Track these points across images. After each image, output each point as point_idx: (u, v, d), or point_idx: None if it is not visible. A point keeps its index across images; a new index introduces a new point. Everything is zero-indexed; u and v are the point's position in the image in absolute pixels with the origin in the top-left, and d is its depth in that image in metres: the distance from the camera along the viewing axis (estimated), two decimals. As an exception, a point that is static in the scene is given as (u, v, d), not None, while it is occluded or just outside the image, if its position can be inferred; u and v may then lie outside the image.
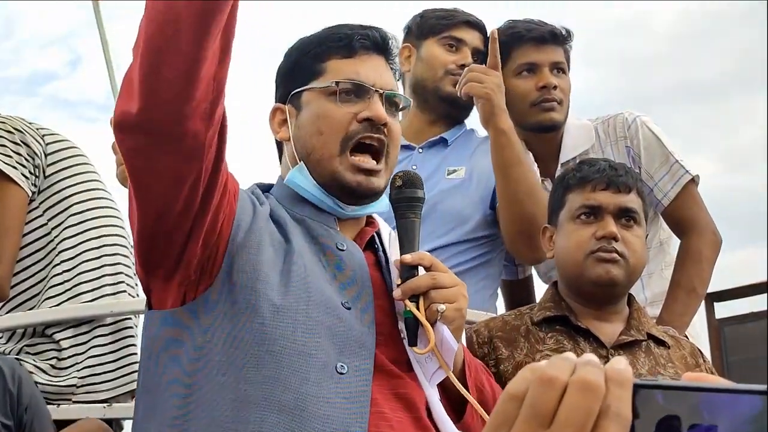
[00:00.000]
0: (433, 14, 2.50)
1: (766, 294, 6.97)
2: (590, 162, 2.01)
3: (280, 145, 1.64)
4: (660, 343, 1.94)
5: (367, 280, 1.45)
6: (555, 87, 2.44)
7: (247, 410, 1.27)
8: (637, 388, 0.59)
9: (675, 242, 2.54)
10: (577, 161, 2.40)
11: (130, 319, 2.23)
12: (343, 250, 1.48)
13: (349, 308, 1.40)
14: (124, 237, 2.31)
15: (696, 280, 2.39)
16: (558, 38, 2.49)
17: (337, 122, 1.51)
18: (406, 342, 1.42)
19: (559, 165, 2.51)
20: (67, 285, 2.16)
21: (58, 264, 2.17)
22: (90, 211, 2.24)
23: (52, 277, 2.16)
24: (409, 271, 1.42)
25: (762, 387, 0.61)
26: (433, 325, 1.38)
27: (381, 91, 1.53)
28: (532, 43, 2.46)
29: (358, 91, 1.52)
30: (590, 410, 0.57)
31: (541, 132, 2.49)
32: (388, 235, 1.60)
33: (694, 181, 2.48)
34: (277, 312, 1.34)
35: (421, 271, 1.42)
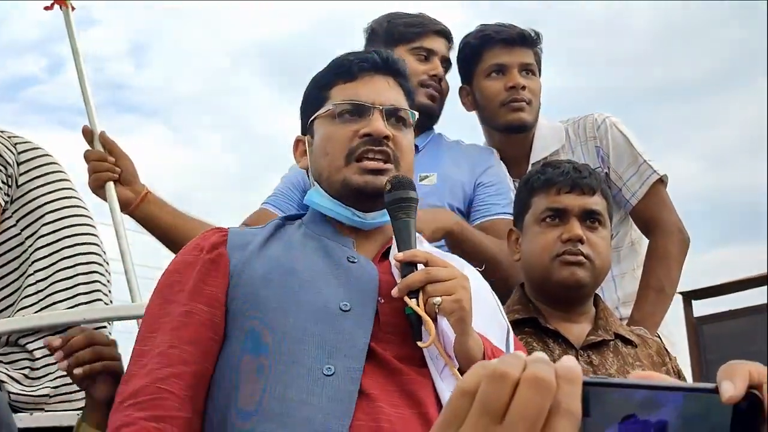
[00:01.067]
0: (401, 21, 2.51)
1: (745, 291, 7.03)
2: (554, 164, 2.03)
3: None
4: (627, 342, 1.96)
5: (372, 287, 1.48)
6: (524, 87, 2.48)
7: (244, 424, 1.34)
8: (586, 385, 0.60)
9: (647, 242, 2.57)
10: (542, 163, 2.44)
11: (105, 327, 2.23)
12: (353, 263, 1.52)
13: (347, 310, 1.44)
14: (98, 245, 2.31)
15: (665, 280, 2.41)
16: (527, 40, 2.53)
17: (339, 141, 1.59)
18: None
19: (530, 165, 2.54)
20: (41, 295, 2.15)
21: (32, 274, 2.16)
22: (63, 220, 2.24)
23: (26, 287, 2.15)
24: (407, 268, 1.44)
25: (710, 385, 0.63)
26: (434, 319, 1.40)
27: (380, 108, 1.59)
28: (502, 44, 2.51)
29: (357, 110, 1.60)
30: (542, 406, 0.58)
31: (511, 132, 2.54)
32: (422, 242, 1.64)
33: (662, 180, 2.52)
34: (266, 328, 1.42)
35: (420, 267, 1.44)
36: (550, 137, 2.58)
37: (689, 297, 6.80)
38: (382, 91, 1.63)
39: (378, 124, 1.57)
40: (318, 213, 1.64)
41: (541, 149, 2.56)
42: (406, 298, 1.41)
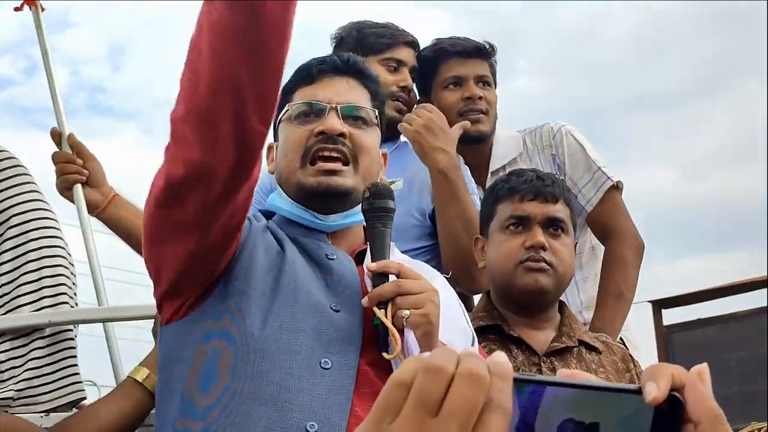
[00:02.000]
0: (371, 31, 2.53)
1: (713, 300, 7.12)
2: (518, 173, 2.06)
3: None
4: (591, 348, 1.98)
5: (357, 286, 1.49)
6: (480, 98, 2.54)
7: (235, 405, 1.35)
8: (516, 382, 0.61)
9: (608, 247, 2.60)
10: (507, 170, 2.47)
11: (70, 330, 2.22)
12: (332, 260, 1.54)
13: (338, 311, 1.46)
14: (64, 248, 2.29)
15: (623, 285, 2.45)
16: (482, 52, 2.59)
17: (296, 141, 1.60)
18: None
19: (489, 174, 2.60)
20: (6, 298, 2.13)
21: None
22: (29, 223, 2.22)
23: None
24: (379, 278, 1.45)
25: (634, 386, 0.64)
26: (401, 331, 1.40)
27: (335, 106, 1.60)
28: (457, 57, 2.57)
29: (312, 110, 1.61)
30: (477, 400, 0.58)
31: (469, 143, 2.56)
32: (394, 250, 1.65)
33: (617, 187, 2.56)
34: (265, 314, 1.43)
35: (393, 278, 1.45)
36: (507, 146, 2.63)
37: (659, 305, 6.87)
38: (341, 92, 1.64)
39: (332, 121, 1.58)
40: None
41: (499, 158, 2.61)
42: (375, 309, 1.42)
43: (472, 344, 1.62)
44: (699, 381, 0.65)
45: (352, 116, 1.62)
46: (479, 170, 2.61)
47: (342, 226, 1.62)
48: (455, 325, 1.60)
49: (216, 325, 1.44)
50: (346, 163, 1.58)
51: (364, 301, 1.44)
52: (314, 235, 1.59)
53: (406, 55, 2.52)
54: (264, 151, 1.73)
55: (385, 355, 1.41)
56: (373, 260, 1.48)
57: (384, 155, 1.76)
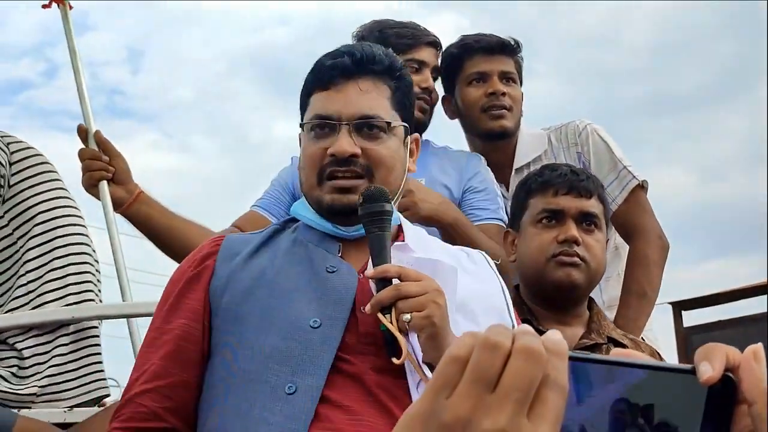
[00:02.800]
0: (392, 31, 2.49)
1: (733, 302, 7.08)
2: (552, 167, 2.05)
3: None
4: (620, 346, 1.95)
5: (349, 298, 1.47)
6: (504, 94, 2.52)
7: None
8: (570, 360, 0.61)
9: (629, 246, 2.58)
10: (531, 168, 2.46)
11: (95, 327, 2.22)
12: (332, 272, 1.51)
13: (317, 327, 1.43)
14: (89, 245, 2.29)
15: (646, 285, 2.43)
16: (507, 48, 2.58)
17: (311, 159, 1.58)
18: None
19: (513, 171, 2.59)
20: (32, 295, 2.14)
21: (23, 275, 2.14)
22: (56, 220, 2.22)
23: (17, 288, 2.14)
24: (382, 284, 1.42)
25: (688, 366, 0.64)
26: (407, 334, 1.38)
27: (347, 123, 1.56)
28: (482, 53, 2.56)
29: (325, 125, 1.57)
30: (534, 377, 0.58)
31: (492, 139, 2.57)
32: (421, 239, 1.65)
33: (642, 186, 2.54)
34: (240, 345, 1.44)
35: (396, 282, 1.43)
36: (532, 144, 2.61)
37: (679, 307, 6.84)
38: (352, 101, 1.57)
39: (342, 143, 1.54)
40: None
41: (523, 155, 2.60)
42: (380, 315, 1.39)
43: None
44: (754, 361, 0.65)
45: (365, 129, 1.57)
46: (503, 168, 2.60)
47: (362, 234, 1.58)
48: (494, 318, 1.56)
49: (219, 362, 1.47)
50: (360, 177, 1.56)
51: (366, 308, 1.41)
52: (326, 244, 1.58)
53: (428, 55, 2.50)
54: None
55: (394, 360, 1.38)
56: (373, 266, 1.46)
57: (416, 141, 1.72)
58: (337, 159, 1.54)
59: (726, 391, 0.63)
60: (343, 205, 1.54)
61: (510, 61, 2.58)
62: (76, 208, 2.32)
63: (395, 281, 1.42)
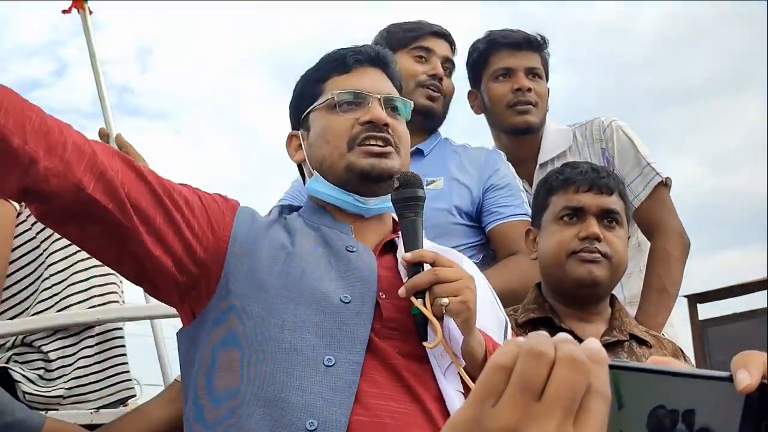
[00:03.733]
0: (399, 28, 2.55)
1: (750, 294, 7.06)
2: (573, 165, 2.05)
3: (301, 169, 1.75)
4: (642, 342, 1.96)
5: (372, 278, 1.48)
6: (529, 90, 2.54)
7: (240, 407, 1.35)
8: (610, 368, 0.62)
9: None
10: (555, 163, 2.47)
11: (120, 329, 2.23)
12: (352, 252, 1.53)
13: (347, 302, 1.44)
14: None
15: (666, 281, 2.43)
16: (533, 44, 2.60)
17: (341, 129, 1.60)
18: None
19: (538, 166, 2.59)
20: (57, 298, 2.15)
21: (47, 278, 2.16)
22: None
23: (41, 291, 2.15)
24: (414, 268, 1.44)
25: (725, 374, 0.64)
26: (441, 319, 1.40)
27: (379, 96, 1.61)
28: (508, 48, 2.58)
29: (356, 99, 1.62)
30: (580, 385, 0.59)
31: (518, 134, 2.59)
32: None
33: (665, 184, 2.55)
34: (268, 313, 1.42)
35: (427, 267, 1.45)
36: (557, 139, 2.62)
37: (694, 300, 6.82)
38: (378, 82, 1.66)
39: (378, 111, 1.59)
40: (315, 203, 1.66)
41: (548, 150, 2.61)
42: (413, 298, 1.41)
43: (506, 331, 1.62)
44: None
45: (392, 107, 1.64)
46: (527, 163, 2.61)
47: (380, 210, 1.63)
48: (490, 310, 1.61)
49: (222, 328, 1.44)
50: (391, 146, 1.60)
51: (401, 291, 1.43)
52: (338, 226, 1.59)
53: (435, 44, 2.52)
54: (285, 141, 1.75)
55: (425, 344, 1.41)
56: (406, 250, 1.48)
57: None
58: (373, 125, 1.59)
59: (764, 399, 0.63)
60: (381, 169, 1.57)
61: (536, 57, 2.61)
62: None
63: (426, 266, 1.44)
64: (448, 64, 2.54)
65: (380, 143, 1.58)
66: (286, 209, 1.69)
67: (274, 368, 1.36)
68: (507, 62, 2.58)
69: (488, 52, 2.60)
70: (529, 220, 2.21)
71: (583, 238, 1.91)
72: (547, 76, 2.64)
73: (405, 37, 2.51)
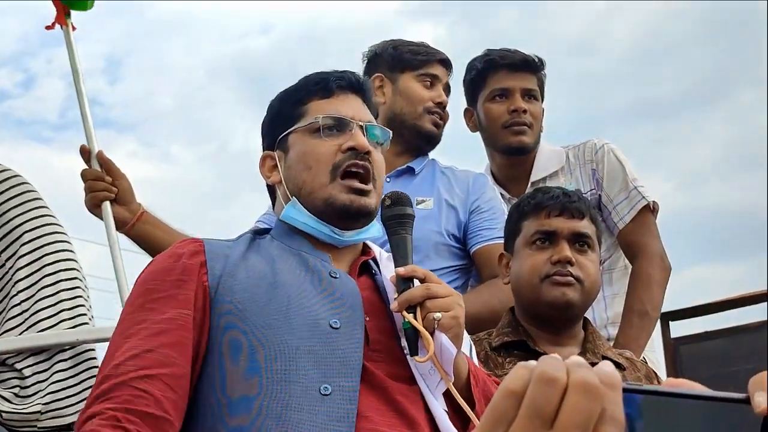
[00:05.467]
0: (407, 48, 2.59)
1: (720, 313, 7.11)
2: (544, 189, 2.08)
3: (272, 189, 1.72)
4: (616, 365, 1.97)
5: (358, 304, 1.48)
6: (525, 111, 2.59)
7: None
8: (624, 392, 0.61)
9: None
10: (547, 182, 2.55)
11: (93, 349, 2.22)
12: (335, 278, 1.52)
13: (337, 328, 1.42)
14: (76, 261, 2.30)
15: (648, 304, 2.45)
16: (530, 66, 2.65)
17: (323, 155, 1.59)
18: (408, 354, 1.45)
19: (530, 184, 2.64)
20: (26, 315, 2.14)
21: (15, 295, 2.14)
22: (42, 238, 2.22)
23: (10, 309, 2.14)
24: (404, 284, 1.45)
25: (742, 396, 0.63)
26: (431, 334, 1.40)
27: (361, 123, 1.62)
28: (506, 69, 2.62)
29: (339, 125, 1.61)
30: (593, 412, 0.57)
31: (512, 154, 2.64)
32: (383, 258, 1.65)
33: (650, 207, 2.58)
34: (257, 346, 1.39)
35: (417, 283, 1.45)
36: (550, 159, 2.67)
37: (667, 318, 6.85)
38: (358, 109, 1.65)
39: (361, 138, 1.59)
40: (288, 227, 1.63)
41: (541, 169, 2.66)
42: (404, 313, 1.42)
43: (471, 351, 1.65)
44: None
45: (371, 135, 1.64)
46: (519, 181, 2.67)
47: (355, 242, 1.63)
48: None
49: (230, 362, 1.40)
50: (367, 181, 1.60)
51: (394, 305, 1.44)
52: (317, 253, 1.58)
53: (441, 72, 2.58)
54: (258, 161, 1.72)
55: (416, 358, 1.41)
56: (397, 266, 1.50)
57: None
58: (356, 153, 1.58)
59: None
60: (360, 206, 1.57)
61: (533, 78, 2.65)
62: (60, 226, 2.32)
63: (416, 282, 1.45)
64: (447, 90, 2.60)
65: (362, 171, 1.58)
66: (258, 234, 1.67)
67: (270, 401, 1.33)
68: (504, 83, 2.61)
69: (486, 71, 2.64)
70: None
71: (555, 262, 1.94)
72: (542, 96, 2.68)
73: (414, 60, 2.55)
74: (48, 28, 2.40)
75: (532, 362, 0.60)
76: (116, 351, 1.37)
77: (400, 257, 1.51)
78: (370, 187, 1.59)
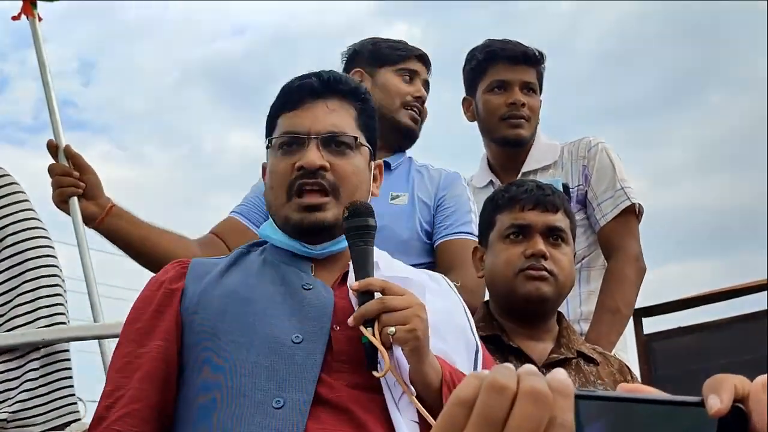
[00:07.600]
0: (386, 44, 2.60)
1: (691, 309, 7.18)
2: (518, 183, 2.08)
3: None
4: (589, 360, 1.98)
5: (326, 315, 1.48)
6: (523, 104, 2.62)
7: None
8: (577, 398, 0.61)
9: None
10: (538, 174, 2.58)
11: (66, 351, 2.19)
12: (308, 290, 1.53)
13: (299, 342, 1.44)
14: (57, 266, 2.27)
15: (620, 302, 2.47)
16: (530, 59, 2.67)
17: (280, 175, 1.61)
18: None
19: (520, 174, 2.66)
20: (3, 318, 2.11)
21: None
22: (26, 242, 2.19)
23: None
24: (363, 297, 1.44)
25: (696, 399, 0.64)
26: (390, 348, 1.39)
27: (315, 137, 1.59)
28: (506, 62, 2.65)
29: (294, 141, 1.61)
30: (541, 419, 0.58)
31: (508, 146, 2.68)
32: (383, 262, 1.63)
33: (635, 209, 2.61)
34: (219, 363, 1.44)
35: (378, 296, 1.44)
36: (545, 152, 2.71)
37: (639, 315, 6.90)
38: (320, 118, 1.62)
39: (310, 155, 1.57)
40: None
41: (534, 162, 2.69)
42: (362, 328, 1.41)
43: (476, 356, 1.61)
44: (763, 391, 0.65)
45: (334, 144, 1.61)
46: (511, 171, 2.70)
47: (332, 252, 1.63)
48: (460, 336, 1.60)
49: (198, 378, 1.46)
50: (327, 194, 1.58)
51: (350, 320, 1.42)
52: (297, 263, 1.60)
53: (419, 68, 2.59)
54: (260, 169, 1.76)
55: (374, 373, 1.40)
56: (356, 279, 1.48)
57: (378, 167, 1.75)
58: (306, 171, 1.57)
59: (736, 422, 0.63)
60: (311, 222, 1.57)
61: (532, 72, 2.67)
62: (44, 229, 2.29)
63: (377, 295, 1.44)
64: (426, 86, 2.60)
65: (315, 188, 1.58)
66: (254, 246, 1.69)
67: (225, 415, 1.37)
68: (503, 75, 2.64)
69: (486, 62, 2.66)
70: (471, 238, 2.24)
71: (529, 256, 1.93)
72: (541, 89, 2.71)
73: (393, 55, 2.56)
74: (14, 18, 2.36)
75: (486, 371, 0.60)
76: (107, 386, 1.49)
77: (358, 270, 1.49)
78: (326, 200, 1.58)
